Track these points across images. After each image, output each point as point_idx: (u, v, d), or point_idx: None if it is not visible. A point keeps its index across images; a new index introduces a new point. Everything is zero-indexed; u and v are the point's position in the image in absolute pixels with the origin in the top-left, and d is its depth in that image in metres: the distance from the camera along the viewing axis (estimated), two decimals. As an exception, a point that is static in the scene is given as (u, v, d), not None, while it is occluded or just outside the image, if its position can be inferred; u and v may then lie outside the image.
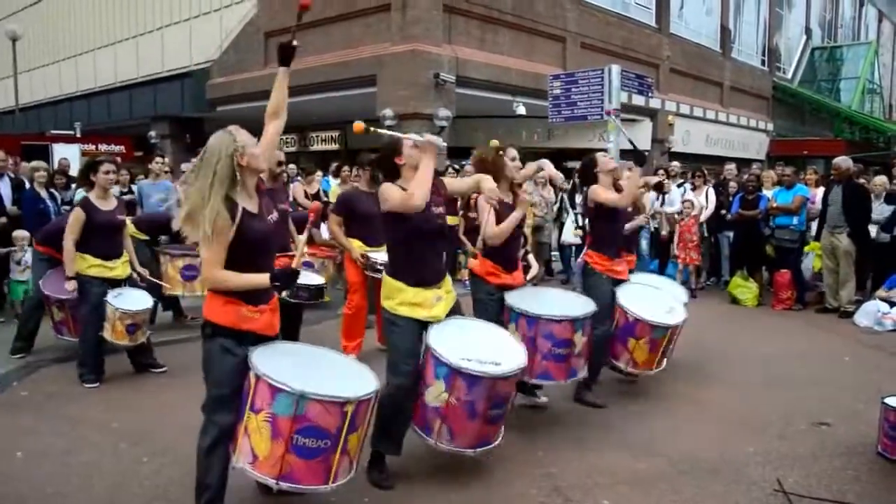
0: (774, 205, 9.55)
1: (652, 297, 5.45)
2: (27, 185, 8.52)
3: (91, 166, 5.67)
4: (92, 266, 5.62)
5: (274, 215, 3.38)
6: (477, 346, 3.79)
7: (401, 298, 3.82)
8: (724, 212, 10.27)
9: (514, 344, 4.01)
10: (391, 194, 3.75)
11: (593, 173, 5.31)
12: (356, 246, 6.30)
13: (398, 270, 3.88)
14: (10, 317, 7.95)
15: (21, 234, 7.89)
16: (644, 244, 10.18)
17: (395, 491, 3.86)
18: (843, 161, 8.96)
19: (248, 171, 3.21)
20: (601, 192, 5.21)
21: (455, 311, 4.03)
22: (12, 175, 8.79)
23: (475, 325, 4.16)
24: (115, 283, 5.76)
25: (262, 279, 3.19)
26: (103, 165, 5.63)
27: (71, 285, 5.60)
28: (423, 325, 3.82)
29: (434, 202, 3.87)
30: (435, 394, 3.71)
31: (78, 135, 19.30)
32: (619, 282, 5.33)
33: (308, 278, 5.78)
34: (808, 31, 33.36)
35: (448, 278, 4.06)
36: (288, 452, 3.07)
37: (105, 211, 5.64)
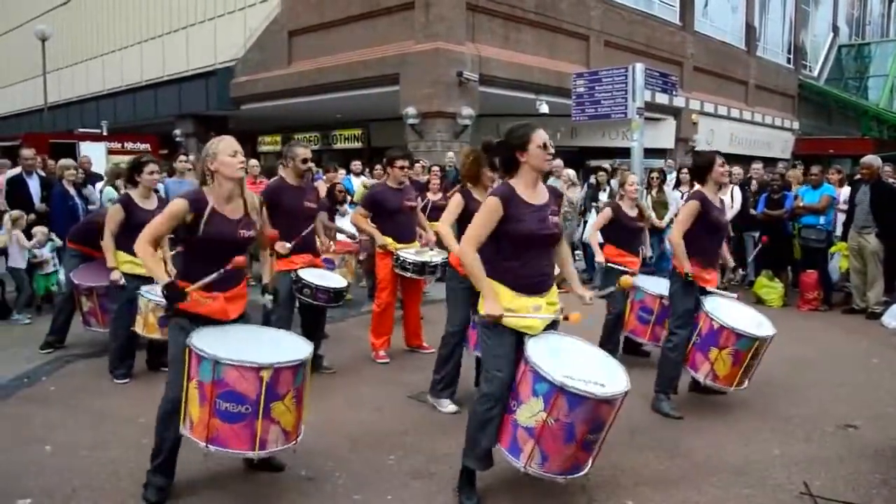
0: (801, 204, 9.44)
1: (741, 310, 5.29)
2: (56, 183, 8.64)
3: (136, 166, 5.73)
4: (124, 262, 5.68)
5: (248, 232, 3.68)
6: (578, 365, 3.48)
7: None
8: (753, 212, 10.14)
9: (616, 365, 3.67)
10: (477, 217, 3.57)
11: (705, 176, 5.15)
12: (388, 244, 6.33)
13: (497, 271, 3.57)
14: (35, 312, 8.06)
15: (42, 230, 8.03)
16: (668, 243, 10.11)
17: (414, 486, 3.87)
18: (873, 160, 8.83)
19: (219, 176, 3.58)
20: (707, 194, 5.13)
21: (553, 325, 3.73)
22: (42, 173, 8.93)
23: (573, 342, 3.78)
24: (148, 279, 5.83)
25: (161, 275, 3.46)
26: (148, 166, 5.69)
27: (115, 275, 5.67)
28: (519, 335, 3.55)
29: (552, 211, 3.64)
30: (530, 413, 3.42)
31: (105, 133, 19.56)
32: (704, 291, 5.16)
33: (328, 280, 5.77)
34: (835, 29, 32.96)
35: (555, 289, 3.72)
36: (213, 416, 3.34)
37: (146, 210, 5.67)
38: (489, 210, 3.51)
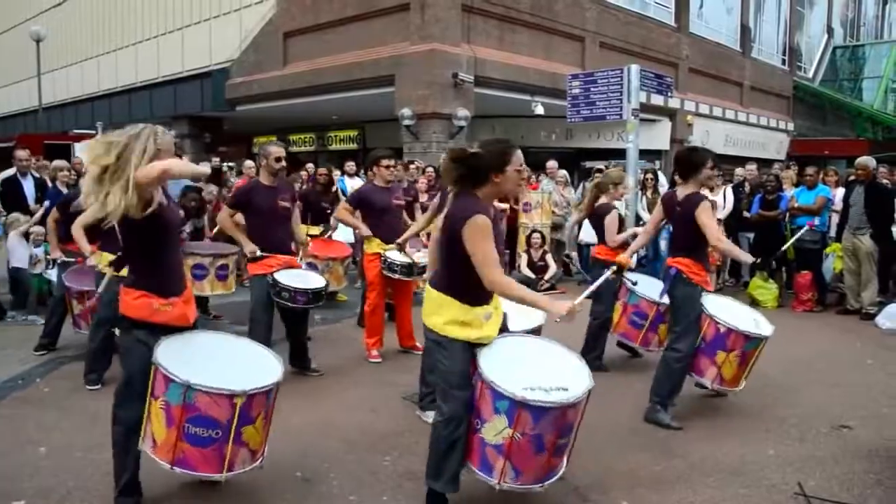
0: (796, 205, 9.46)
1: (735, 309, 5.25)
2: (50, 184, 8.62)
3: None
4: (111, 263, 5.66)
5: (178, 214, 3.64)
6: (536, 369, 3.38)
7: (448, 316, 3.42)
8: (746, 214, 10.15)
9: (576, 361, 3.56)
10: (482, 244, 3.28)
11: (691, 175, 4.99)
12: (375, 245, 6.33)
13: (450, 286, 3.46)
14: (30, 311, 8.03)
15: (38, 229, 8.05)
16: (663, 244, 10.13)
17: (409, 487, 3.87)
18: (868, 161, 8.86)
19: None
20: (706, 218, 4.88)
21: (503, 327, 3.67)
22: (36, 174, 8.90)
23: (527, 342, 3.70)
24: None
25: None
26: None
27: (93, 259, 5.64)
28: (472, 347, 3.45)
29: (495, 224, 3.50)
30: (495, 430, 3.30)
31: (100, 134, 19.49)
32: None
33: (306, 281, 5.73)
34: (829, 30, 33.03)
35: (497, 295, 3.61)
36: (180, 440, 3.27)
37: None
38: (489, 231, 3.29)
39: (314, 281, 5.81)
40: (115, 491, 3.55)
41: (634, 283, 6.05)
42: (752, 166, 11.21)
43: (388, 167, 6.39)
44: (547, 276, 10.33)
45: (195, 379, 3.21)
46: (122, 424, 3.48)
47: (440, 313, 3.46)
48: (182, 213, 5.50)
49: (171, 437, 3.26)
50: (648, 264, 9.44)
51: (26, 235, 8.06)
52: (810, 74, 31.17)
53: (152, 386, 3.32)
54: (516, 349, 3.57)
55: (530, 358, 3.52)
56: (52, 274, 8.20)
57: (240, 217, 5.89)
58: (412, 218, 7.24)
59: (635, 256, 6.51)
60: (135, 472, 3.53)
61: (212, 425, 3.24)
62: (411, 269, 6.27)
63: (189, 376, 3.21)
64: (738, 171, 11.16)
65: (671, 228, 5.62)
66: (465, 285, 3.42)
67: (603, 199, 6.35)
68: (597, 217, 6.38)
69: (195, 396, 3.21)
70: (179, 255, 3.70)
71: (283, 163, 5.77)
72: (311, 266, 7.14)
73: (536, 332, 4.79)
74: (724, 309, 5.12)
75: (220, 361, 3.48)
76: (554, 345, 3.66)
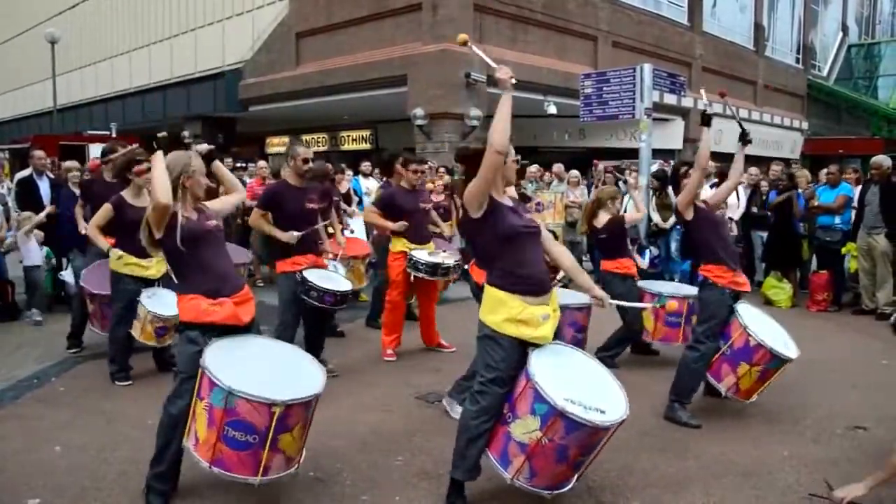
0: (816, 203, 9.39)
1: (770, 325, 5.12)
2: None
3: (128, 164, 5.73)
4: (128, 264, 5.67)
5: (212, 222, 3.79)
6: (579, 385, 3.41)
7: (505, 314, 3.45)
8: (757, 210, 10.08)
9: (615, 385, 3.57)
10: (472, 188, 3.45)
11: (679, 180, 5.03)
12: (401, 244, 6.36)
13: (500, 278, 3.52)
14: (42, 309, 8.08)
15: (38, 233, 8.13)
16: (674, 245, 10.09)
17: (422, 487, 3.87)
18: (883, 160, 8.79)
19: (189, 191, 3.75)
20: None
21: (556, 332, 3.64)
22: (51, 175, 8.96)
23: (575, 356, 3.70)
24: (150, 282, 5.81)
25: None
26: (142, 164, 5.68)
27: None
28: (524, 345, 3.49)
29: (524, 208, 3.67)
30: (524, 429, 3.36)
31: (114, 135, 19.63)
32: (738, 295, 5.01)
33: (334, 282, 5.76)
34: (844, 28, 32.84)
35: (555, 293, 3.68)
36: (219, 441, 3.34)
37: (138, 207, 5.62)
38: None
39: (341, 283, 5.84)
40: (150, 471, 3.66)
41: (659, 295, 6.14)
42: (777, 167, 10.92)
43: (415, 172, 6.43)
44: (559, 276, 10.28)
45: (238, 385, 3.28)
46: (167, 416, 3.60)
47: (498, 311, 3.48)
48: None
49: (212, 438, 3.35)
50: (661, 264, 9.40)
51: (49, 239, 8.14)
52: (825, 73, 31.00)
53: (199, 387, 3.42)
54: (565, 359, 3.60)
55: (576, 372, 3.54)
56: (67, 275, 8.28)
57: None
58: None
59: (648, 256, 6.50)
60: (171, 465, 3.64)
61: (250, 431, 3.30)
62: (435, 269, 6.29)
63: (232, 382, 3.28)
64: (753, 169, 11.01)
65: (680, 229, 5.59)
66: (515, 276, 3.49)
67: (603, 214, 6.36)
68: (609, 232, 6.37)
69: (236, 402, 3.28)
70: (224, 258, 3.79)
71: (311, 164, 5.83)
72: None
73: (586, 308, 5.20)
74: (758, 322, 5.01)
75: (266, 367, 3.56)
76: (599, 365, 3.69)
